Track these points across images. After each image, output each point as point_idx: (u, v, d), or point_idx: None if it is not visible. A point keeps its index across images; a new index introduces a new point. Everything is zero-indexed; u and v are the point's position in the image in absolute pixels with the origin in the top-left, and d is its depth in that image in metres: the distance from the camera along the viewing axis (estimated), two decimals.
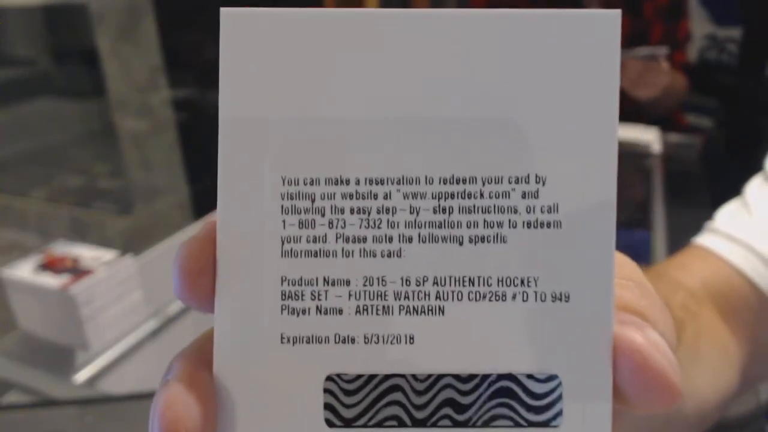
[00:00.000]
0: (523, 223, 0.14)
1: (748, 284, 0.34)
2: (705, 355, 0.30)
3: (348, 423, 0.14)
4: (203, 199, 1.52)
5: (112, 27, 1.52)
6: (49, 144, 2.14)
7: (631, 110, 1.24)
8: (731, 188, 0.40)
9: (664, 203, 0.96)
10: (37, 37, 2.33)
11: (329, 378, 0.14)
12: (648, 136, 1.14)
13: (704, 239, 0.37)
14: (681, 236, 0.41)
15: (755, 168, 0.39)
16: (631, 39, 1.24)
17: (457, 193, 0.14)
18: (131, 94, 1.58)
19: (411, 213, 0.14)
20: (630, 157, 1.13)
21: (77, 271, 0.72)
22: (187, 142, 1.63)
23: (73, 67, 2.20)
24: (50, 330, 0.73)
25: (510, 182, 0.14)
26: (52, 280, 0.70)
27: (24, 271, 0.73)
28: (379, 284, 0.14)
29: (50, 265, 0.73)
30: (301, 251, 0.14)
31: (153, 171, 1.64)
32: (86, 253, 0.76)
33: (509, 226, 0.14)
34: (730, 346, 0.33)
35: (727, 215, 0.37)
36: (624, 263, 0.17)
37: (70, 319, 0.70)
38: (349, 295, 0.14)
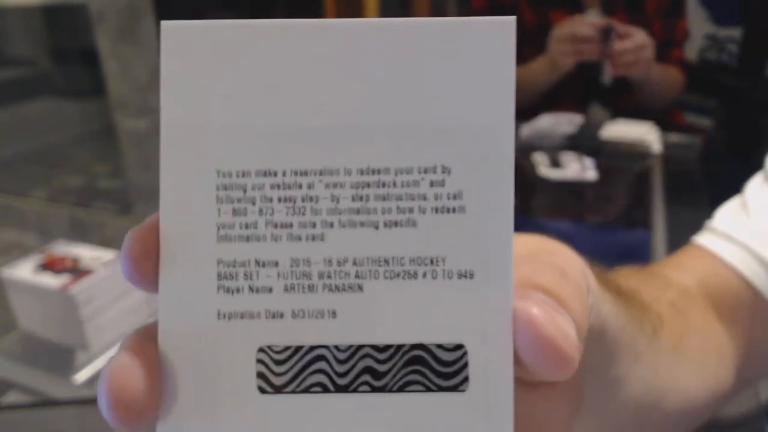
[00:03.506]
0: (431, 209, 0.16)
1: (744, 284, 0.34)
2: (692, 353, 0.30)
3: (278, 389, 0.16)
4: None
5: (112, 27, 1.52)
6: (49, 144, 2.14)
7: (627, 107, 1.25)
8: (731, 188, 0.40)
9: (664, 203, 0.95)
10: (37, 37, 2.33)
11: (261, 349, 0.16)
12: (648, 136, 1.14)
13: (702, 238, 0.37)
14: (681, 236, 0.41)
15: (755, 168, 0.39)
16: None
17: (373, 183, 0.16)
18: (131, 94, 1.58)
19: (332, 201, 0.16)
20: (630, 157, 1.13)
21: (77, 271, 0.72)
22: None
23: (73, 67, 2.20)
24: (50, 330, 0.74)
25: (419, 172, 0.16)
26: (52, 280, 0.71)
27: (24, 271, 0.73)
28: (304, 265, 0.16)
29: (50, 265, 0.73)
30: (234, 236, 0.16)
31: (153, 171, 1.64)
32: (86, 253, 0.76)
33: (419, 212, 0.16)
34: (724, 344, 0.33)
35: (726, 215, 0.37)
36: (555, 252, 0.19)
37: (70, 319, 0.70)
38: (278, 275, 0.16)
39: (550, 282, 0.17)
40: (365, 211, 0.16)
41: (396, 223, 0.16)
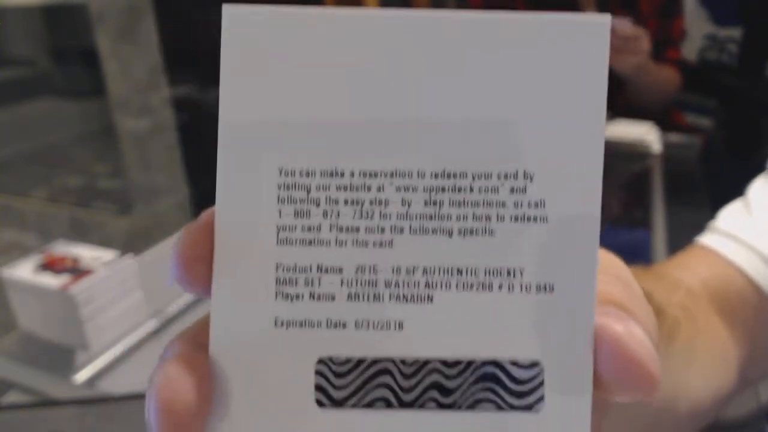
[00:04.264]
0: (511, 217, 0.15)
1: (748, 283, 0.34)
2: (701, 354, 0.30)
3: (338, 404, 0.15)
4: (203, 200, 1.51)
5: (112, 27, 1.52)
6: (49, 144, 2.14)
7: (623, 106, 1.25)
8: (731, 188, 0.40)
9: (664, 203, 0.96)
10: (37, 37, 2.33)
11: (321, 361, 0.15)
12: (648, 136, 1.14)
13: (706, 238, 0.37)
14: (681, 236, 0.41)
15: (755, 168, 0.39)
16: None
17: (448, 187, 0.15)
18: (131, 94, 1.58)
19: (403, 205, 0.15)
20: (630, 157, 1.13)
21: (77, 271, 0.72)
22: (187, 142, 1.64)
23: (73, 67, 2.20)
24: (50, 330, 0.74)
25: (499, 178, 0.15)
26: (52, 280, 0.70)
27: (24, 271, 0.73)
28: (370, 273, 0.15)
29: (50, 265, 0.73)
30: (296, 239, 0.15)
31: (153, 171, 1.64)
32: (86, 253, 0.76)
33: (497, 220, 0.15)
34: (728, 345, 0.33)
35: (729, 215, 0.37)
36: (613, 263, 0.18)
37: (70, 319, 0.70)
38: (342, 283, 0.15)
39: (620, 296, 0.16)
40: (438, 217, 0.15)
41: (471, 231, 0.15)
